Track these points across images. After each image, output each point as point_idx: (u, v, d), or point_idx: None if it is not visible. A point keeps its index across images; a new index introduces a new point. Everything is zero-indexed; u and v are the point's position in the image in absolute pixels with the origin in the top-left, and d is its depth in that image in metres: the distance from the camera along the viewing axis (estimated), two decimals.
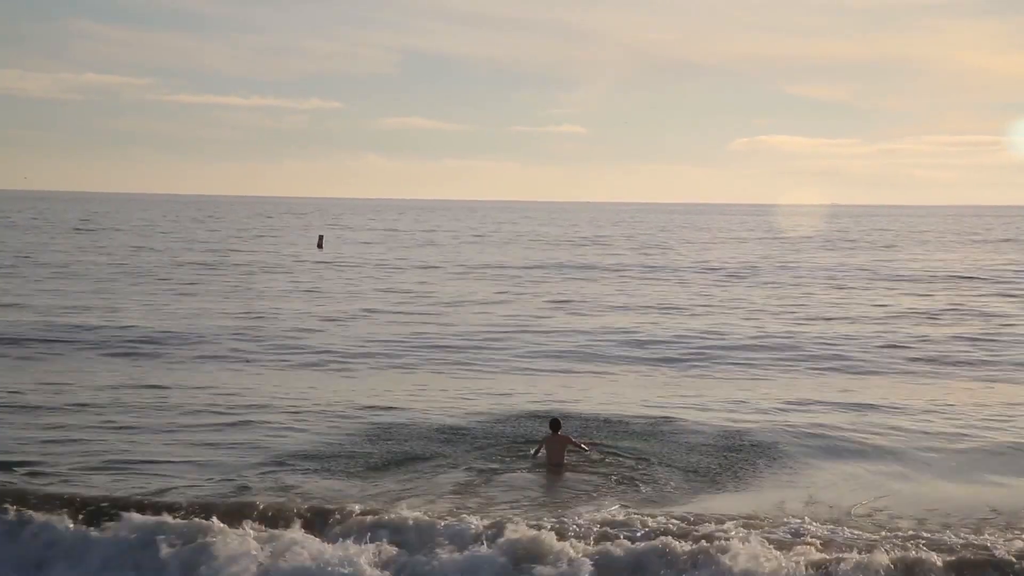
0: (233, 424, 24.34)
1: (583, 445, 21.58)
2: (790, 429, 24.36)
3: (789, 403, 27.60)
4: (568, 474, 20.76)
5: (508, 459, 21.63)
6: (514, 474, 20.67)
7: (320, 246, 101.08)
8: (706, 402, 27.55)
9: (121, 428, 23.53)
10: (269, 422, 24.31)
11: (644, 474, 20.71)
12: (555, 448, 20.90)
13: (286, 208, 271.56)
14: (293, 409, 25.50)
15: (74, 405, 25.72)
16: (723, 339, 37.73)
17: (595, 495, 19.29)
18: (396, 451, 22.05)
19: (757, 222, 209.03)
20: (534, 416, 24.81)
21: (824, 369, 32.97)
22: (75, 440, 22.40)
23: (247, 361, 32.35)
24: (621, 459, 21.68)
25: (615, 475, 20.59)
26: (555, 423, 21.44)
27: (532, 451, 21.46)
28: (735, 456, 22.04)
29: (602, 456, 21.68)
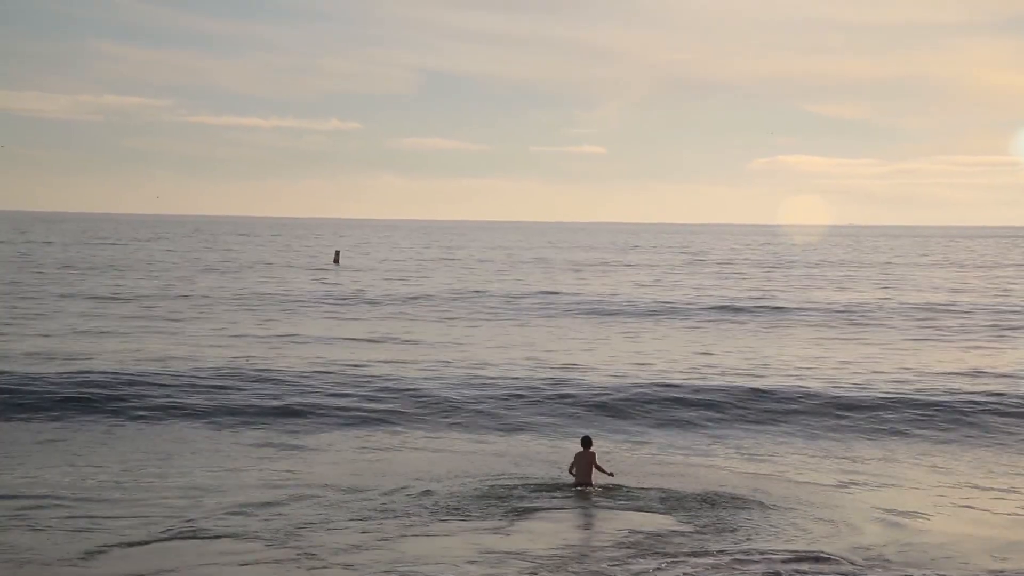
0: None
1: (605, 471, 21.45)
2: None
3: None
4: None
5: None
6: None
7: (336, 261, 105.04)
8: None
9: None
10: None
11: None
12: (583, 465, 21.34)
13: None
14: None
15: None
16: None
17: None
18: None
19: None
20: None
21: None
22: None
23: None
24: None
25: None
26: (586, 440, 21.73)
27: (568, 467, 21.77)
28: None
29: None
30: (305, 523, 18.72)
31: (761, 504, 20.16)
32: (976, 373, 36.36)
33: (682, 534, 18.23)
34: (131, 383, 32.37)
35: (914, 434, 28.04)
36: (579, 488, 21.12)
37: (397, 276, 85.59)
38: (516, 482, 21.78)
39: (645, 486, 21.49)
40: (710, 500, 20.35)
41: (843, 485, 22.24)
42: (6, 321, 48.36)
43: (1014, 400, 31.10)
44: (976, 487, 22.41)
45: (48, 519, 18.87)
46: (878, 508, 20.26)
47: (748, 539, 17.91)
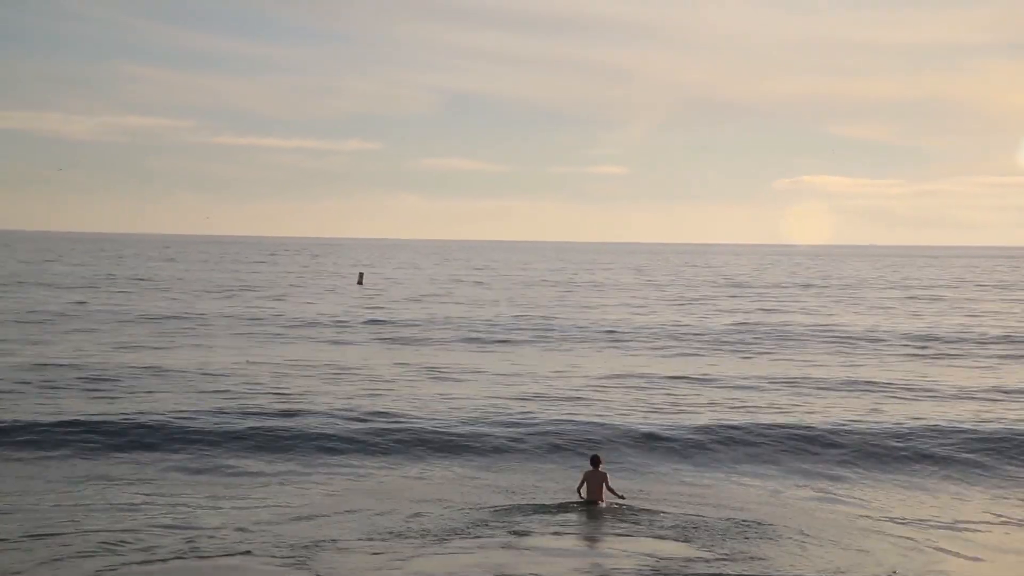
0: None
1: (616, 492, 21.60)
2: None
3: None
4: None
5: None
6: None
7: (360, 282, 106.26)
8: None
9: None
10: None
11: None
12: (594, 484, 21.44)
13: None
14: None
15: None
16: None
17: None
18: None
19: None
20: None
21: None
22: None
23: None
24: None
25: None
26: (595, 459, 21.90)
27: (577, 487, 21.84)
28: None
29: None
30: (315, 542, 18.68)
31: (785, 532, 19.93)
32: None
33: (704, 560, 18.01)
34: (135, 403, 32.47)
35: (944, 465, 27.53)
36: (591, 505, 21.14)
37: (415, 300, 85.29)
38: (527, 503, 21.73)
39: (663, 510, 21.32)
40: (731, 527, 20.13)
41: (869, 516, 21.99)
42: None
43: None
44: (1009, 522, 22.05)
45: (57, 540, 18.82)
46: (903, 539, 20.03)
47: (773, 570, 17.63)
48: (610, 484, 21.48)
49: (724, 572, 17.31)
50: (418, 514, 20.71)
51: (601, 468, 21.58)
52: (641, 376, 41.10)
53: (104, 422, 29.62)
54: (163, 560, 17.63)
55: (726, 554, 18.37)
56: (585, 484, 21.46)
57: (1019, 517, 22.39)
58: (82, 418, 30.02)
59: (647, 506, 21.57)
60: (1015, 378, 41.52)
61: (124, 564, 17.40)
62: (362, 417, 31.15)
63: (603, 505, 21.18)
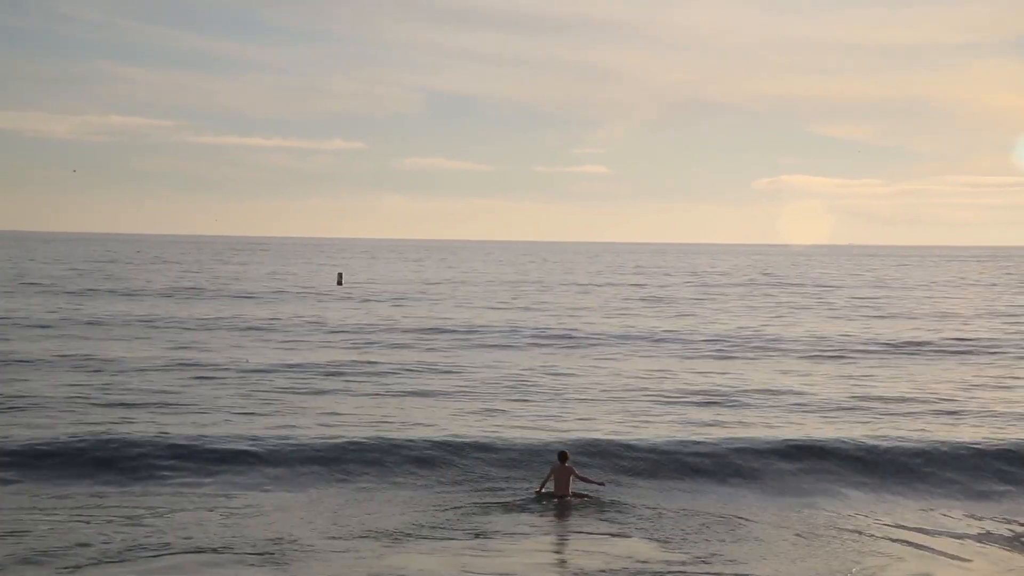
0: None
1: (592, 480, 22.13)
2: None
3: None
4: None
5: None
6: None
7: (340, 283, 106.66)
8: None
9: None
10: None
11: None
12: (561, 478, 21.78)
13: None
14: None
15: None
16: None
17: None
18: None
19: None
20: None
21: None
22: None
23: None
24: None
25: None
26: (562, 454, 22.23)
27: (542, 482, 22.10)
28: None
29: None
30: (280, 540, 18.72)
31: (763, 536, 19.97)
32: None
33: (681, 563, 17.99)
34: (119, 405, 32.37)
35: (920, 476, 27.44)
36: (559, 499, 21.52)
37: (393, 301, 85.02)
38: (494, 502, 21.83)
39: (635, 511, 21.37)
40: (706, 530, 20.16)
41: (845, 521, 22.02)
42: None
43: None
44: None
45: (19, 541, 18.68)
46: (877, 544, 20.09)
47: (754, 573, 17.59)
48: (580, 475, 21.89)
49: (702, 572, 17.33)
50: (382, 515, 20.73)
51: (568, 463, 21.90)
52: (613, 379, 40.96)
53: (73, 434, 29.55)
54: (123, 560, 17.54)
55: (700, 556, 18.36)
56: (552, 479, 21.74)
57: (975, 526, 22.46)
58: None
59: (618, 508, 21.61)
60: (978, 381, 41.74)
61: (89, 562, 17.34)
62: (326, 418, 30.91)
63: (571, 499, 21.46)
